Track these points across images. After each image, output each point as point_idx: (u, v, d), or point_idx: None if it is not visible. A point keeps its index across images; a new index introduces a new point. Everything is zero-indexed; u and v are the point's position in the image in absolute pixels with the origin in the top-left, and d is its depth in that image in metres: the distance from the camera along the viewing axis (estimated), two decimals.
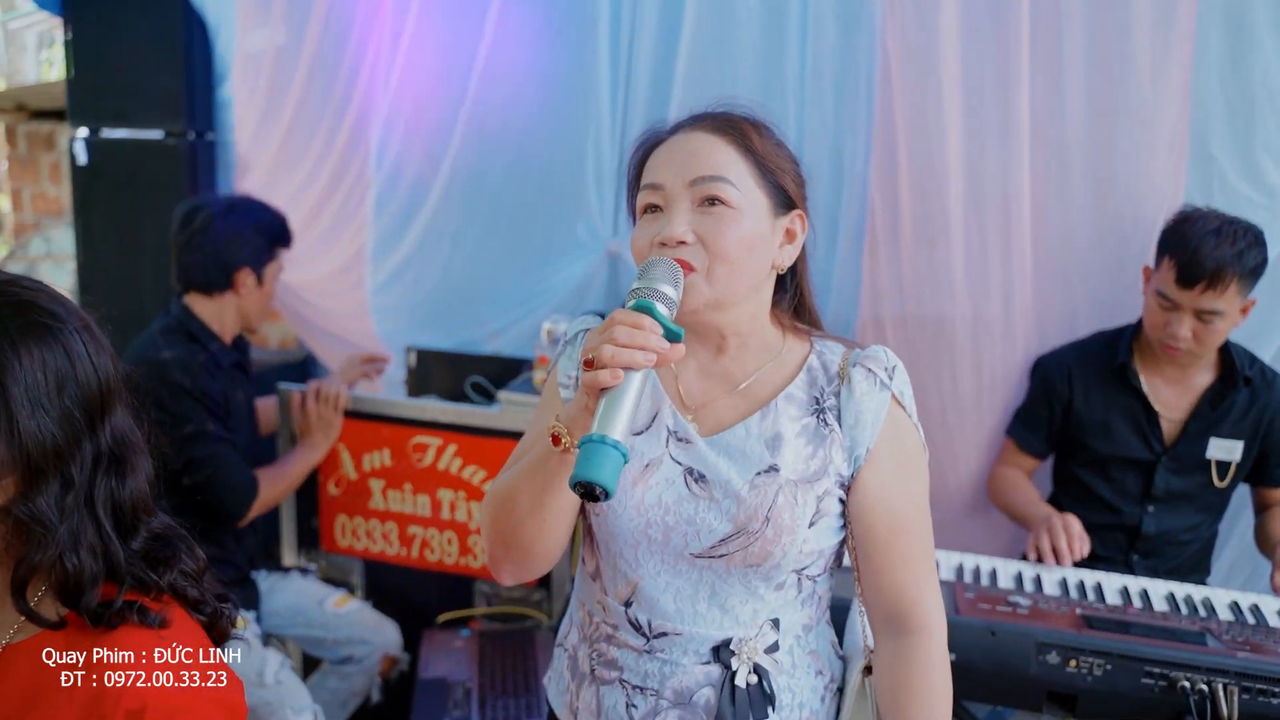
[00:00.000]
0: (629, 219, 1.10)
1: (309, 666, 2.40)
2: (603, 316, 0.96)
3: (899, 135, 2.03)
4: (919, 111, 2.00)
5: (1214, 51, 1.89)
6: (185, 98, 2.67)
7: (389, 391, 2.66)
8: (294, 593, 2.22)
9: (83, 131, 2.76)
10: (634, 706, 1.07)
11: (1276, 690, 1.33)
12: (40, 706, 0.86)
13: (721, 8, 2.16)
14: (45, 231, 4.13)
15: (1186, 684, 1.34)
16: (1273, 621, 1.52)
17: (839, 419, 1.05)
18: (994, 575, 1.65)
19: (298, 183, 2.67)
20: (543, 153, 2.43)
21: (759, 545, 1.01)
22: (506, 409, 2.20)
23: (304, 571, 2.33)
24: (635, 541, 1.05)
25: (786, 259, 1.07)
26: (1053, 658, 1.39)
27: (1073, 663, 1.39)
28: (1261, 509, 1.95)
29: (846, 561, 1.13)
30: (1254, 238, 1.73)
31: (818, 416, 1.06)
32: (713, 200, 1.00)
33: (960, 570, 1.66)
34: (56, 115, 3.86)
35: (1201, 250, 1.70)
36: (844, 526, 1.08)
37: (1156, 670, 1.37)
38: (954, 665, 1.12)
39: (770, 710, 1.06)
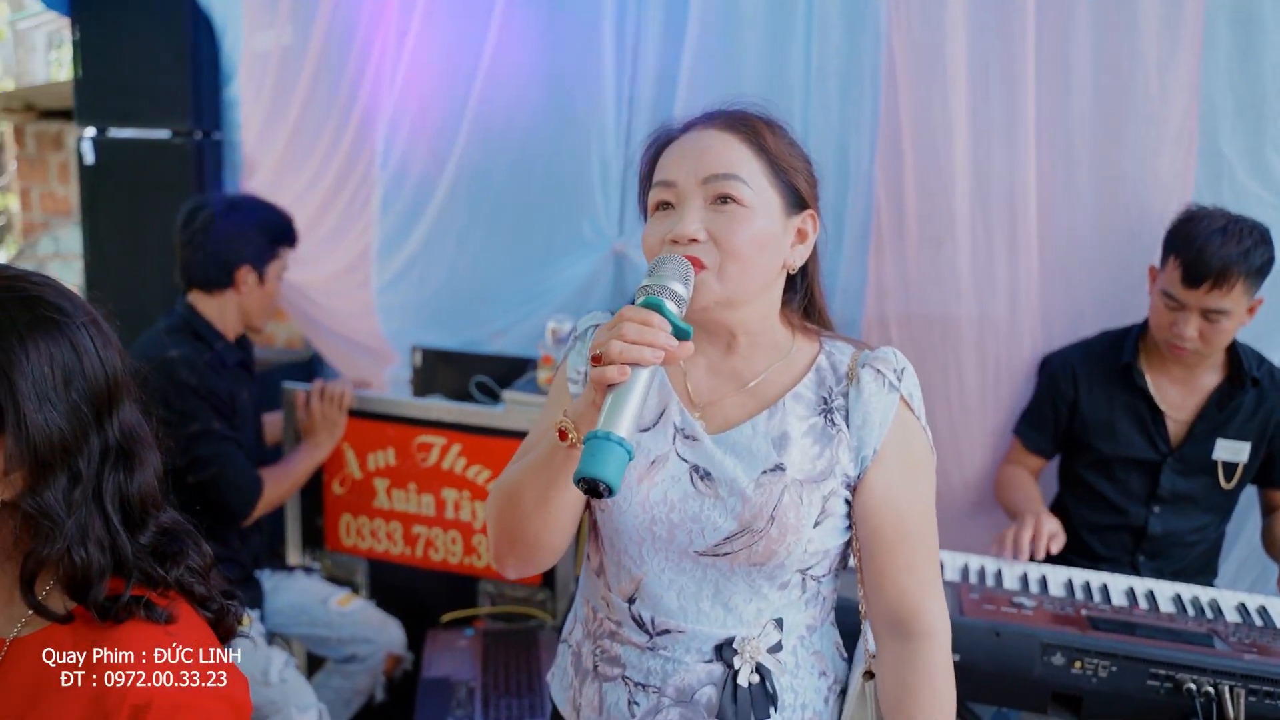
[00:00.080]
0: (635, 218, 1.10)
1: (313, 665, 2.40)
2: (613, 313, 0.96)
3: (904, 133, 2.02)
4: (924, 109, 1.99)
5: (1222, 48, 1.88)
6: (192, 97, 2.68)
7: (394, 391, 2.66)
8: (298, 592, 2.22)
9: (90, 131, 2.77)
10: (636, 704, 1.07)
11: None
12: (46, 701, 0.86)
13: (726, 7, 2.15)
14: (54, 231, 4.15)
15: (1193, 686, 1.33)
16: None
17: (846, 419, 1.05)
18: (999, 576, 1.64)
19: (303, 182, 2.68)
20: (548, 152, 2.43)
21: (763, 544, 1.01)
22: (511, 408, 2.20)
23: (308, 570, 2.33)
24: (640, 538, 1.05)
25: (798, 259, 1.07)
26: (1058, 659, 1.39)
27: (1078, 664, 1.38)
28: (1269, 511, 1.94)
29: (852, 563, 1.12)
30: (1260, 236, 1.71)
31: (825, 416, 1.05)
32: (725, 198, 1.00)
33: (965, 571, 1.65)
34: (64, 115, 3.88)
35: (1207, 249, 1.68)
36: (849, 527, 1.07)
37: (1162, 672, 1.36)
38: (958, 666, 1.11)
39: (772, 710, 1.06)
